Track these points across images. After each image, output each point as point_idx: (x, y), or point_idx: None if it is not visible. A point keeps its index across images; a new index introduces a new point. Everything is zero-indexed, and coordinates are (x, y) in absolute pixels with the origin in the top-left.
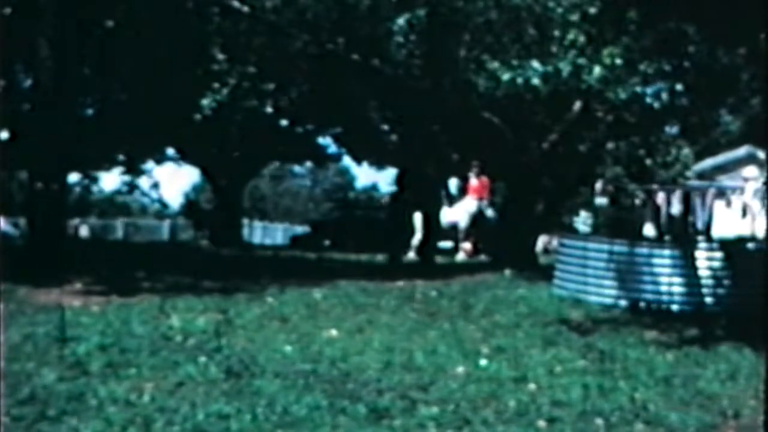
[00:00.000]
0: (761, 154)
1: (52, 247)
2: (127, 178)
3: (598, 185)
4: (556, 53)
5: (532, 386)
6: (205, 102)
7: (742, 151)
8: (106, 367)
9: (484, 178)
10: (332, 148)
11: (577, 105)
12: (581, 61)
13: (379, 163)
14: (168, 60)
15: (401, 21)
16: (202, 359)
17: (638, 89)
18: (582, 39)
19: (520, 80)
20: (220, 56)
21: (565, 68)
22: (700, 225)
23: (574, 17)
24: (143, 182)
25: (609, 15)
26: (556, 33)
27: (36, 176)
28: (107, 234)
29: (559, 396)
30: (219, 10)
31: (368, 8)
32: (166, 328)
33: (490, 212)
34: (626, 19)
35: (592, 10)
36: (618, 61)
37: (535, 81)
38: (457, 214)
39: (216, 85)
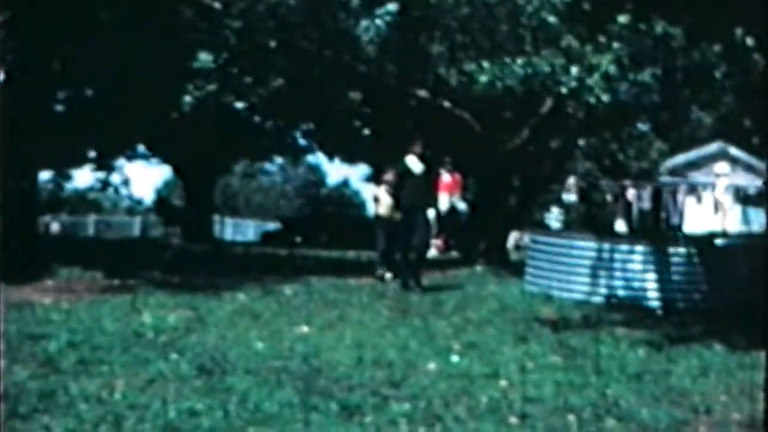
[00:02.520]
0: (732, 151)
1: (22, 244)
2: (99, 175)
3: (570, 181)
4: (531, 53)
5: (503, 382)
6: (187, 99)
7: (713, 147)
8: (77, 364)
9: (456, 175)
10: (304, 144)
11: (549, 101)
12: (559, 62)
13: (351, 159)
14: (141, 56)
15: (372, 17)
16: (174, 356)
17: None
18: (572, 42)
19: (499, 84)
20: (203, 55)
21: (543, 69)
22: (671, 221)
23: (551, 17)
24: (115, 179)
25: (590, 14)
26: (532, 32)
27: (6, 173)
28: (78, 231)
29: (531, 392)
30: (192, 7)
31: (339, 4)
32: (138, 324)
33: (461, 208)
34: (607, 19)
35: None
36: (612, 68)
37: (511, 82)
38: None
39: (198, 81)
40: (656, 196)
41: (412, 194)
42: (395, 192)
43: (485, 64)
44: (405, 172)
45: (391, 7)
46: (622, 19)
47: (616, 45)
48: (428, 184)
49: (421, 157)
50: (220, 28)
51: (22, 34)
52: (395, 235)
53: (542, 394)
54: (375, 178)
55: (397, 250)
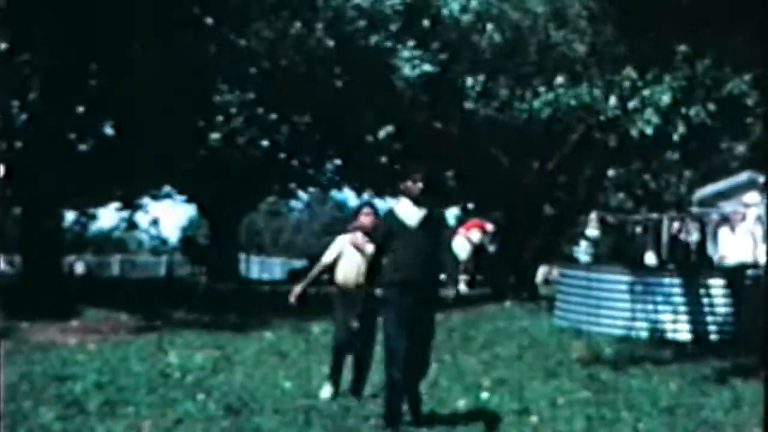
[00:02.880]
0: (762, 180)
1: (47, 285)
2: (124, 214)
3: (592, 216)
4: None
5: (534, 418)
6: (213, 136)
7: (743, 176)
8: (103, 405)
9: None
10: (331, 180)
11: (578, 130)
12: (597, 92)
13: (379, 195)
14: (165, 93)
15: (405, 53)
16: (201, 396)
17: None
18: (631, 75)
19: (548, 110)
20: (227, 92)
21: (586, 99)
22: (703, 252)
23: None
24: (140, 218)
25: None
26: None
27: (30, 213)
28: (103, 271)
29: (562, 428)
30: (217, 44)
31: (374, 42)
32: (164, 365)
33: (489, 243)
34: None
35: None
36: (666, 98)
37: (565, 107)
38: (458, 245)
39: (220, 118)
40: (701, 228)
41: (404, 262)
42: (374, 257)
43: (542, 89)
44: (391, 227)
45: (434, 45)
46: (682, 48)
47: (668, 78)
48: (433, 244)
49: (421, 200)
50: (246, 64)
51: (47, 72)
52: (365, 334)
53: (573, 429)
54: None
55: (366, 356)
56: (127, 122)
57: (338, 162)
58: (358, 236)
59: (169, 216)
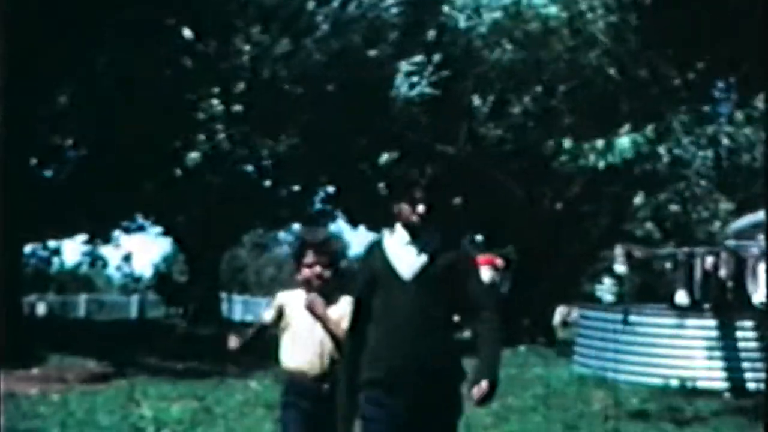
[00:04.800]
0: None
1: (4, 328)
2: (88, 248)
3: (617, 251)
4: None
5: None
6: (192, 155)
7: None
8: None
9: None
10: (323, 210)
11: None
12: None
13: (378, 228)
14: (139, 110)
15: (407, 67)
16: None
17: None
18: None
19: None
20: (206, 108)
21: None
22: (740, 290)
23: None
24: (110, 253)
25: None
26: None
27: None
28: (68, 311)
29: None
30: (194, 57)
31: (372, 55)
32: (137, 418)
33: (501, 280)
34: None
35: None
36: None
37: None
38: None
39: (202, 136)
40: (738, 264)
41: (389, 344)
42: (351, 328)
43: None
44: (374, 274)
45: (436, 57)
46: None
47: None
48: (443, 310)
49: (424, 232)
50: (227, 79)
51: (1, 85)
52: None
53: None
54: None
55: None
56: (94, 143)
57: (330, 190)
58: (316, 299)
59: (141, 250)
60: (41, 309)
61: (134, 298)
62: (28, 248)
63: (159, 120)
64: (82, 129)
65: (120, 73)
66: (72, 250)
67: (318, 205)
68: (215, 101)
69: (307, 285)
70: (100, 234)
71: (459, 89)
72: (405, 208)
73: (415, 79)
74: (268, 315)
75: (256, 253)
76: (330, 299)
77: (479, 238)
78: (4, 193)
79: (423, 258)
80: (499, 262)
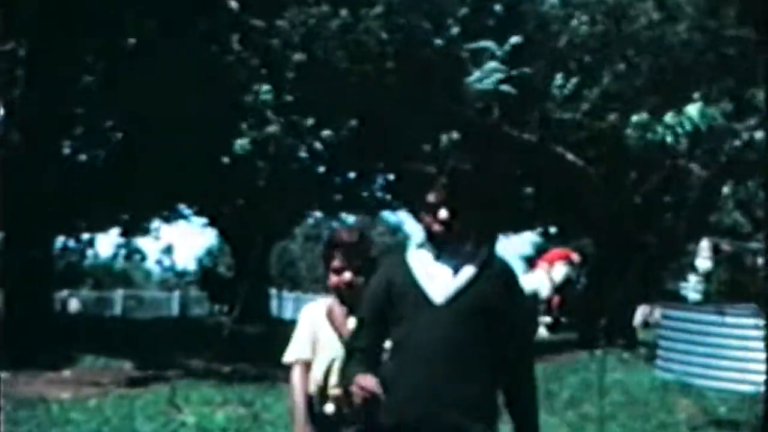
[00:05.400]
0: None
1: (34, 326)
2: (125, 239)
3: (703, 244)
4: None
5: None
6: (240, 142)
7: None
8: None
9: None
10: (382, 199)
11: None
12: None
13: None
14: (180, 91)
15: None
16: None
17: None
18: None
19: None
20: (256, 91)
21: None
22: None
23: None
24: (148, 245)
25: None
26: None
27: (13, 238)
28: (103, 309)
29: None
30: (242, 32)
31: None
32: (178, 425)
33: (577, 277)
34: None
35: None
36: None
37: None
38: (538, 280)
39: (251, 121)
40: None
41: (415, 384)
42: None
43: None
44: (398, 294)
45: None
46: None
47: None
48: (482, 344)
49: (454, 244)
50: (278, 61)
51: (33, 62)
52: None
53: None
54: None
55: None
56: (133, 126)
57: (390, 177)
58: (335, 306)
59: (183, 242)
60: (74, 305)
61: (175, 294)
62: (59, 240)
63: (203, 100)
64: (119, 109)
65: (160, 49)
66: (107, 242)
67: (378, 194)
68: (264, 82)
69: (337, 293)
70: (137, 224)
71: (532, 69)
72: (425, 215)
73: (485, 62)
74: (301, 351)
75: (308, 246)
76: (355, 312)
77: (553, 230)
78: (33, 180)
79: (459, 281)
80: (575, 256)
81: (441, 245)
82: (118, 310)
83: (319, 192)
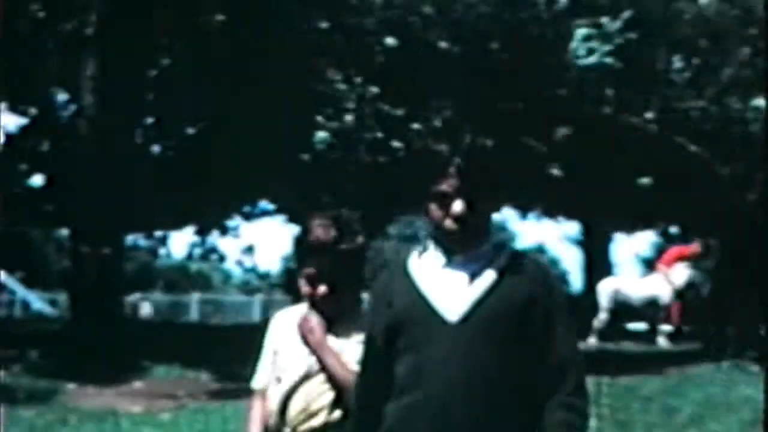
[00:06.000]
0: None
1: (103, 332)
2: (200, 238)
3: None
4: None
5: None
6: (320, 135)
7: None
8: None
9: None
10: None
11: None
12: None
13: (551, 215)
14: (258, 82)
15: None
16: None
17: None
18: None
19: None
20: (341, 80)
21: None
22: None
23: None
24: (227, 244)
25: None
26: None
27: (81, 236)
28: (177, 314)
29: None
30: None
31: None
32: None
33: (701, 281)
34: None
35: None
36: None
37: None
38: (657, 285)
39: (329, 111)
40: None
41: (427, 409)
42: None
43: None
44: (403, 309)
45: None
46: None
47: None
48: (501, 363)
49: (465, 244)
50: (366, 44)
51: (102, 47)
52: None
53: None
54: (585, 241)
55: None
56: (209, 118)
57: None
58: (310, 316)
59: (266, 242)
60: (146, 310)
61: (257, 299)
62: (130, 238)
63: (284, 88)
64: (195, 99)
65: (237, 34)
66: (182, 240)
67: None
68: (352, 70)
69: (311, 303)
70: (214, 221)
71: (650, 51)
72: (434, 208)
73: (594, 44)
74: (263, 378)
75: (404, 246)
76: (337, 329)
77: (673, 230)
78: (102, 172)
79: (477, 289)
80: (694, 247)
81: (453, 246)
82: (194, 315)
83: (414, 187)
